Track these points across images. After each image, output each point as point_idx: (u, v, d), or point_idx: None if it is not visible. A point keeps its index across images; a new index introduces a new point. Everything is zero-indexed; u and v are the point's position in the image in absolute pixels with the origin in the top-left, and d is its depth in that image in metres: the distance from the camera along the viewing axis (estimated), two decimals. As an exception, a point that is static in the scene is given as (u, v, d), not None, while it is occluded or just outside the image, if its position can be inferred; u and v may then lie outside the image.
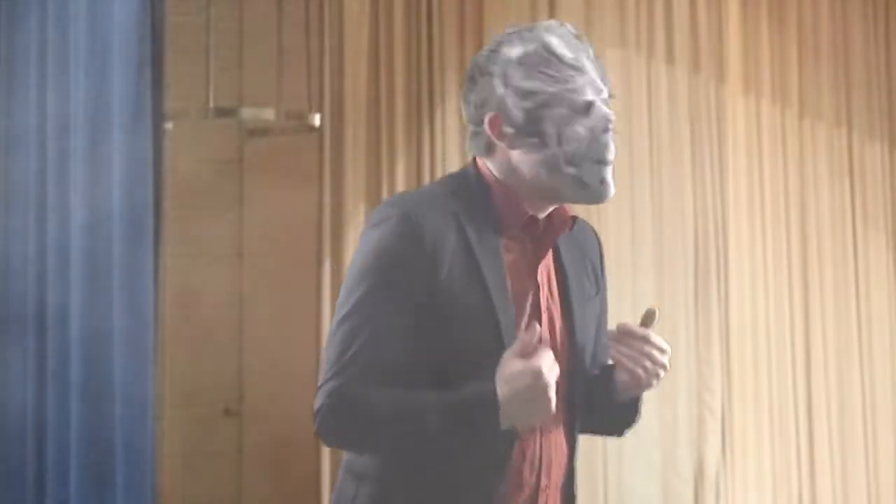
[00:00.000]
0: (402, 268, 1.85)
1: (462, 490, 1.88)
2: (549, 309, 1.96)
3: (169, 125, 4.08)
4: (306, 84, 4.26)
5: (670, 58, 4.70)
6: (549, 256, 1.99)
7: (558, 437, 1.97)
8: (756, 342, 4.72)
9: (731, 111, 4.75)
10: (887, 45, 5.04)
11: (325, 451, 4.21)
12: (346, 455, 2.01)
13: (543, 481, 1.94)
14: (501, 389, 1.78)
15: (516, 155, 1.92)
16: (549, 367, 1.79)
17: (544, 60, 1.92)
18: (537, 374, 1.77)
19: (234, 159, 4.40)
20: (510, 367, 1.79)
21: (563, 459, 1.98)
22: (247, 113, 4.21)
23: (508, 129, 1.91)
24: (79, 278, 3.71)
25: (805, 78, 4.89)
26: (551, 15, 4.51)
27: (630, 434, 2.19)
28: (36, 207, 3.74)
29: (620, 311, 4.37)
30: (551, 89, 1.91)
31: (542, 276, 1.96)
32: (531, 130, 1.91)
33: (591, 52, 1.99)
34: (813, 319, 4.82)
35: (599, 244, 2.12)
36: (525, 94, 1.91)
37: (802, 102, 4.89)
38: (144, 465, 3.74)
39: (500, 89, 1.92)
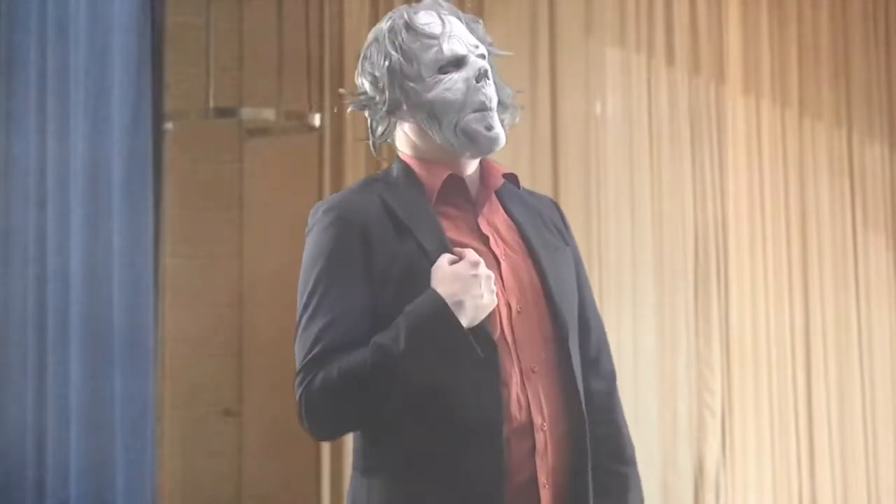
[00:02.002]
0: (342, 254, 1.94)
1: (469, 450, 1.88)
2: (507, 256, 2.00)
3: (169, 125, 4.07)
4: (306, 84, 4.26)
5: (670, 58, 4.70)
6: (500, 213, 2.06)
7: (546, 378, 1.96)
8: (756, 343, 4.72)
9: (731, 111, 4.75)
10: (887, 45, 5.04)
11: (326, 451, 4.21)
12: (353, 456, 2.02)
13: (537, 419, 1.93)
14: (440, 289, 1.86)
15: (409, 126, 2.04)
16: (481, 261, 1.89)
17: (396, 34, 2.02)
18: (473, 263, 1.88)
19: (234, 159, 4.39)
20: (441, 270, 1.88)
21: (557, 400, 1.97)
22: (247, 113, 4.21)
23: (386, 106, 2.02)
24: (79, 278, 3.71)
25: (805, 78, 4.89)
26: (551, 14, 4.52)
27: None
28: (36, 207, 3.73)
29: (621, 312, 4.42)
30: (409, 52, 2.00)
31: (487, 229, 2.02)
32: (402, 97, 2.01)
33: (459, 18, 2.07)
34: (813, 319, 4.82)
35: (558, 209, 2.19)
36: (386, 67, 2.00)
37: (802, 102, 4.89)
38: (144, 465, 3.74)
39: (366, 76, 2.04)
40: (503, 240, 2.02)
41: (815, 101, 4.90)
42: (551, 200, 2.20)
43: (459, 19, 2.06)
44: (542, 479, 1.93)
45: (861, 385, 4.86)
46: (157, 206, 3.89)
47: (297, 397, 1.92)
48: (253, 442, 4.32)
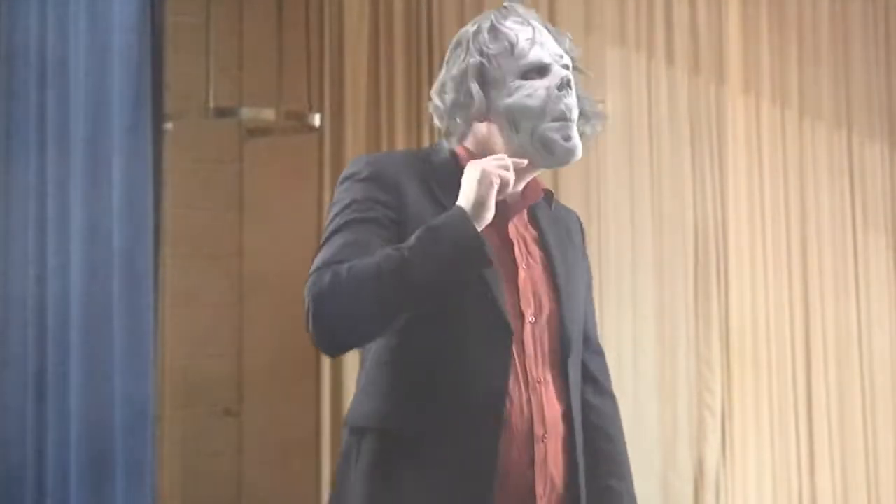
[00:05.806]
0: (374, 199, 1.94)
1: (464, 433, 1.90)
2: (529, 266, 2.02)
3: (169, 125, 4.08)
4: (306, 84, 4.26)
5: (670, 58, 4.70)
6: (530, 226, 2.07)
7: (549, 389, 1.99)
8: (756, 342, 4.72)
9: (731, 111, 4.75)
10: (887, 45, 5.04)
11: (326, 452, 4.21)
12: (347, 414, 2.03)
13: (538, 431, 1.95)
14: (464, 196, 1.89)
15: (484, 128, 2.02)
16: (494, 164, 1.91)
17: (480, 37, 2.02)
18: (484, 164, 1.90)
19: (234, 159, 4.40)
20: (473, 164, 1.92)
21: (558, 412, 2.00)
22: (247, 113, 4.21)
23: (469, 107, 2.01)
24: (78, 278, 3.71)
25: (805, 78, 4.89)
26: (552, 15, 4.52)
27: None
28: (36, 208, 3.73)
29: (621, 311, 4.42)
30: (494, 58, 2.00)
31: (514, 235, 2.03)
32: (483, 101, 2.00)
33: (547, 29, 2.07)
34: (813, 319, 4.82)
35: (582, 229, 2.21)
36: (474, 68, 2.00)
37: (802, 102, 4.88)
38: (144, 465, 3.74)
39: (448, 80, 2.04)
40: (528, 251, 2.04)
41: (815, 101, 4.90)
42: (577, 217, 2.22)
43: (547, 29, 2.06)
44: (540, 490, 1.95)
45: (861, 385, 4.86)
46: (157, 206, 3.89)
47: (306, 297, 1.88)
48: (253, 442, 4.33)
